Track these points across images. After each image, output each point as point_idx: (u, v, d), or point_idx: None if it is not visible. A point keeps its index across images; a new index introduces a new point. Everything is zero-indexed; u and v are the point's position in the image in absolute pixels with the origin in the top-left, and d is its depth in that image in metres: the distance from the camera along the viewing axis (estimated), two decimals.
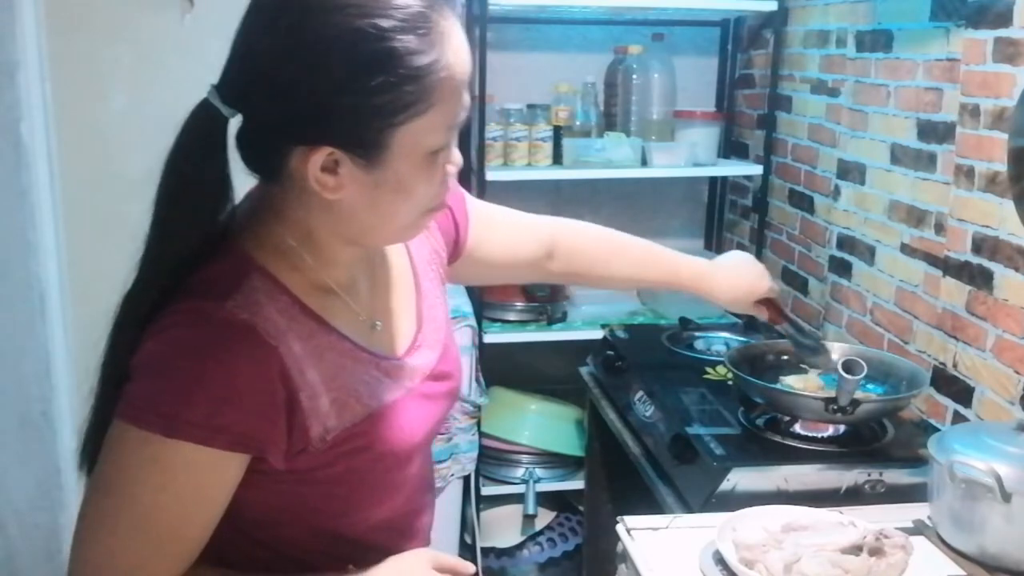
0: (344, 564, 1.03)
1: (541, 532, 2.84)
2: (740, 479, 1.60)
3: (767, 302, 1.73)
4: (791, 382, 1.83)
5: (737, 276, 1.68)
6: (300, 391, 0.93)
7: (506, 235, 1.37)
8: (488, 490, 2.76)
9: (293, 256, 0.98)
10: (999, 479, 1.34)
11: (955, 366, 1.89)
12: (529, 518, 2.76)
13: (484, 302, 2.73)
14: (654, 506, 1.74)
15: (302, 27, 0.88)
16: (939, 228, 1.96)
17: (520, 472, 2.77)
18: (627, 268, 1.58)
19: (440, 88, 0.90)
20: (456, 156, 0.99)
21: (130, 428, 0.90)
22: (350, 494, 1.03)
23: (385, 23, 0.87)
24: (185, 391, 0.89)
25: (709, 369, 2.14)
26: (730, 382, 2.00)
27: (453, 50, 0.92)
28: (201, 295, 0.92)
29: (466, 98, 0.96)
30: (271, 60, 0.90)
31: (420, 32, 0.89)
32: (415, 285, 1.14)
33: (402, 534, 1.13)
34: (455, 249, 1.27)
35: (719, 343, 2.37)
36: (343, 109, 0.89)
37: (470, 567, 1.09)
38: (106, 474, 0.95)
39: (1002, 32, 1.74)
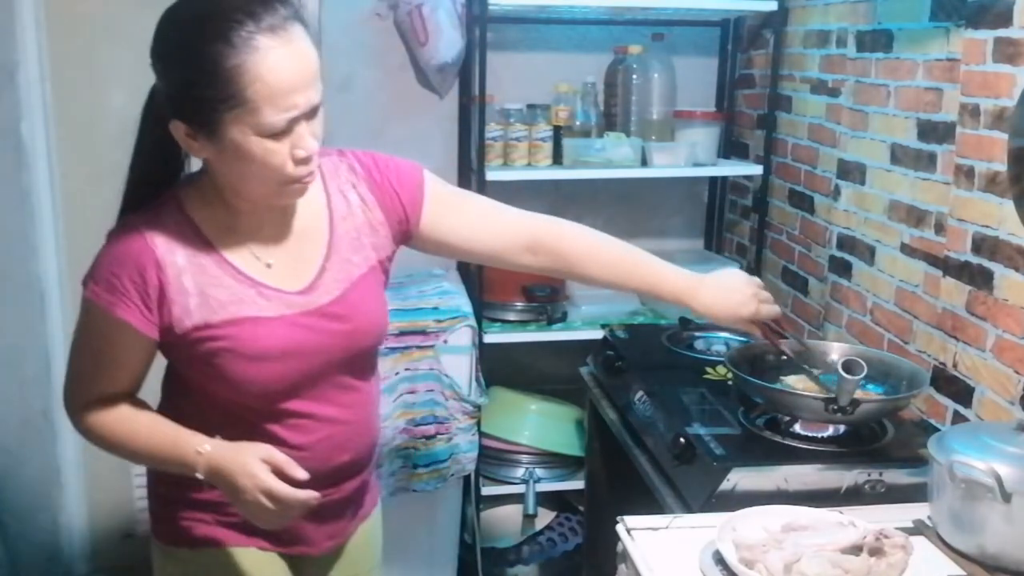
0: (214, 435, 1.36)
1: (541, 532, 2.84)
2: (740, 479, 1.60)
3: (758, 322, 1.73)
4: (791, 382, 1.83)
5: (722, 296, 1.70)
6: (170, 284, 1.32)
7: (472, 222, 1.56)
8: (488, 490, 2.76)
9: (209, 199, 1.37)
10: (999, 479, 1.34)
11: (955, 366, 1.89)
12: (529, 518, 2.76)
13: (484, 302, 2.73)
14: (654, 506, 1.74)
15: (162, 39, 1.27)
16: (939, 228, 1.96)
17: (520, 472, 2.78)
18: (606, 273, 1.66)
19: (251, 91, 1.21)
20: (306, 143, 1.28)
21: (86, 291, 1.35)
22: (218, 381, 1.36)
23: (206, 42, 1.21)
24: (96, 268, 1.34)
25: (709, 369, 2.13)
26: (730, 382, 2.00)
27: (268, 66, 1.21)
28: (136, 215, 1.35)
29: (291, 102, 1.23)
30: (154, 60, 1.28)
31: (232, 46, 1.20)
32: (328, 244, 1.43)
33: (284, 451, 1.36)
34: (406, 226, 1.51)
35: (719, 343, 2.37)
36: (184, 98, 1.26)
37: (302, 473, 1.31)
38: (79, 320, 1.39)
39: (1002, 32, 1.74)
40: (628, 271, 1.67)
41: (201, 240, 1.35)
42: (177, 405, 1.45)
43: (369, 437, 1.55)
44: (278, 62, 1.22)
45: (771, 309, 1.71)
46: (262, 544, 1.49)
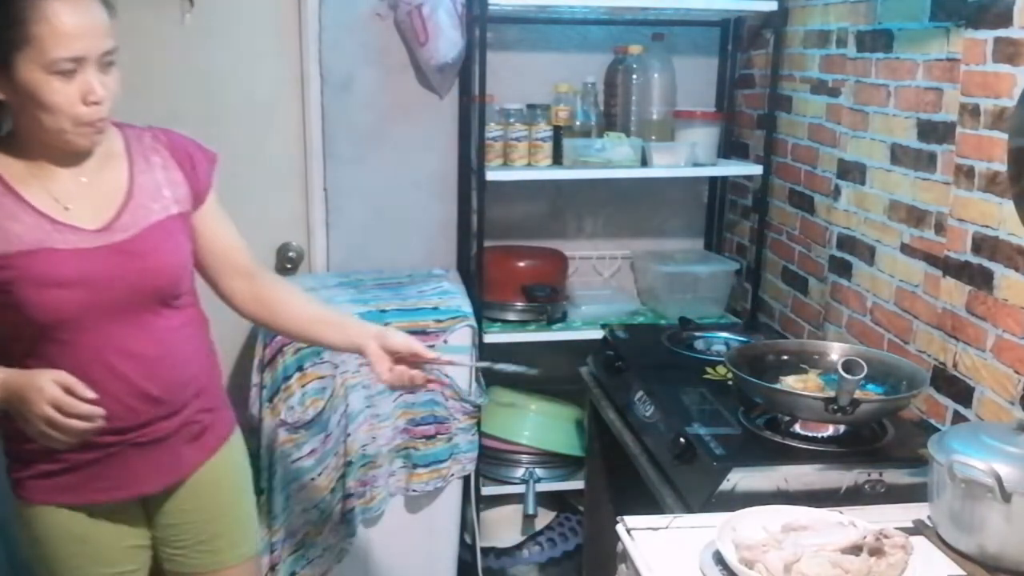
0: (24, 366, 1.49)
1: (541, 532, 2.84)
2: (740, 479, 1.60)
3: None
4: (791, 382, 1.84)
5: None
6: None
7: (222, 235, 1.72)
8: (488, 490, 2.76)
9: (13, 149, 1.51)
10: (999, 479, 1.34)
11: (955, 366, 1.89)
12: (529, 518, 2.76)
13: (484, 302, 2.73)
14: (654, 506, 1.74)
15: None
16: (939, 228, 1.96)
17: (520, 472, 2.77)
18: (298, 327, 1.79)
19: (36, 28, 1.38)
20: (94, 88, 1.44)
21: None
22: (13, 311, 1.48)
23: None
24: None
25: (709, 369, 2.14)
26: (730, 382, 2.00)
27: (53, 8, 1.38)
28: None
29: (75, 43, 1.40)
30: None
31: None
32: (127, 192, 1.58)
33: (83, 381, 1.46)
34: (198, 189, 1.67)
35: (719, 343, 2.38)
36: None
37: (90, 393, 1.43)
38: None
39: (1002, 32, 1.74)
40: (320, 328, 1.77)
41: (1, 183, 1.49)
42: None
43: (181, 374, 1.64)
44: (62, 5, 1.40)
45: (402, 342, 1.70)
46: (97, 499, 1.61)
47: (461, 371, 2.51)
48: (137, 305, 1.56)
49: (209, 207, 1.69)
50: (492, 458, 2.76)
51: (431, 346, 2.45)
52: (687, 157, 2.71)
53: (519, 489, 2.75)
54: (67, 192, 1.52)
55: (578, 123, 2.72)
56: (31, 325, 1.49)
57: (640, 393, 2.05)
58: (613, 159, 2.66)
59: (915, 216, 2.04)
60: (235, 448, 1.81)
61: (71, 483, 1.58)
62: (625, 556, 1.49)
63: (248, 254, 1.76)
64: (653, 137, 2.76)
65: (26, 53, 1.39)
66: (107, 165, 1.58)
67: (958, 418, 1.87)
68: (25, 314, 1.47)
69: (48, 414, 1.41)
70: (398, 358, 1.67)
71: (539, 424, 2.79)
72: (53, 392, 1.41)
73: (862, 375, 1.61)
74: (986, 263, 1.79)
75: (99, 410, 1.44)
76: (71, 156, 1.53)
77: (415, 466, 2.48)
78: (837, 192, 2.38)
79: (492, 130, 2.64)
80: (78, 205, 1.52)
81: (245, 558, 1.81)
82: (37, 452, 1.54)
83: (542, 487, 2.76)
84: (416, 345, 1.69)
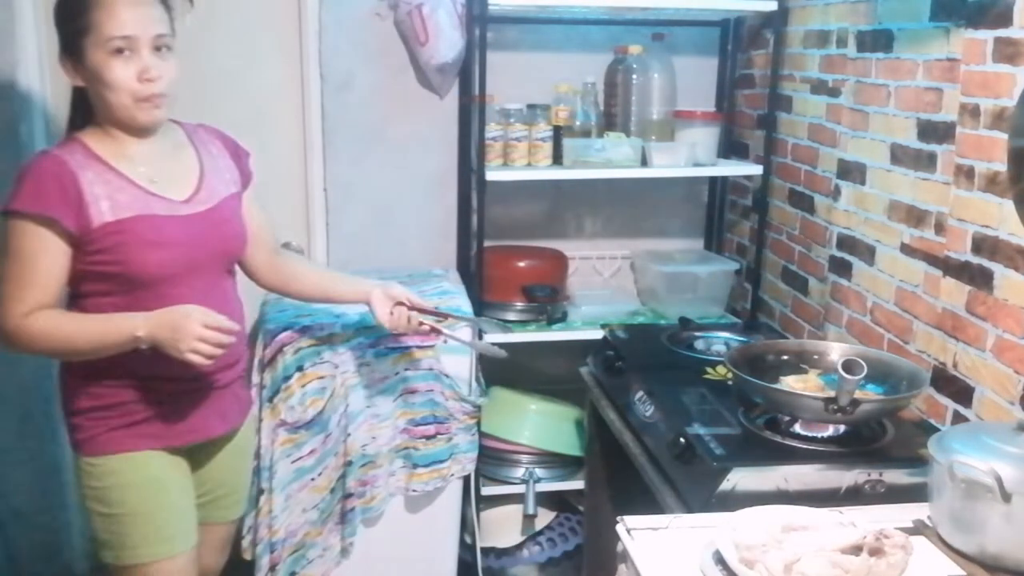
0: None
1: (541, 532, 2.84)
2: (740, 479, 1.60)
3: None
4: (791, 382, 1.84)
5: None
6: (85, 190, 1.66)
7: (257, 215, 1.98)
8: (488, 490, 2.76)
9: (101, 136, 1.73)
10: (999, 479, 1.34)
11: (955, 366, 1.89)
12: (529, 518, 2.76)
13: (484, 302, 2.73)
14: (654, 506, 1.74)
15: None
16: (939, 228, 1.96)
17: (520, 472, 2.78)
18: (312, 288, 2.14)
19: (95, 14, 1.63)
20: (148, 68, 1.66)
21: (10, 215, 1.66)
22: (124, 266, 1.70)
23: None
24: (18, 191, 1.65)
25: (709, 369, 2.14)
26: (730, 382, 2.00)
27: None
28: (43, 153, 1.72)
29: (128, 23, 1.64)
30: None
31: None
32: (200, 172, 1.84)
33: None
34: (244, 178, 1.94)
35: (719, 343, 2.38)
36: (61, 34, 1.69)
37: (235, 326, 1.72)
38: (4, 247, 1.67)
39: (1002, 32, 1.74)
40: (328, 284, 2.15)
41: (102, 163, 1.70)
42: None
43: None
44: None
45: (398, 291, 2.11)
46: (175, 442, 1.81)
47: (461, 371, 2.51)
48: (213, 266, 1.82)
49: (250, 191, 1.96)
50: (492, 458, 2.76)
51: (431, 346, 2.47)
52: (687, 157, 2.71)
53: (519, 489, 2.75)
54: (151, 170, 1.75)
55: (578, 123, 2.72)
56: (133, 282, 1.71)
57: (640, 393, 2.05)
58: (613, 159, 2.66)
59: (915, 216, 2.04)
60: (252, 421, 2.11)
61: (154, 430, 1.79)
62: (625, 556, 1.49)
63: (275, 234, 2.05)
64: (653, 137, 2.76)
65: (90, 38, 1.64)
66: (178, 150, 1.84)
67: (958, 418, 1.87)
68: (132, 271, 1.70)
69: (204, 333, 1.65)
70: (397, 304, 2.08)
71: (539, 424, 2.79)
72: (203, 315, 1.66)
73: (862, 375, 1.61)
74: (986, 263, 1.79)
75: (236, 325, 1.73)
76: (146, 140, 1.76)
77: (415, 466, 2.48)
78: (837, 192, 2.38)
79: (492, 130, 2.64)
80: (162, 180, 1.76)
81: (239, 516, 2.11)
82: (122, 403, 1.76)
83: (542, 487, 2.76)
84: (413, 296, 2.11)
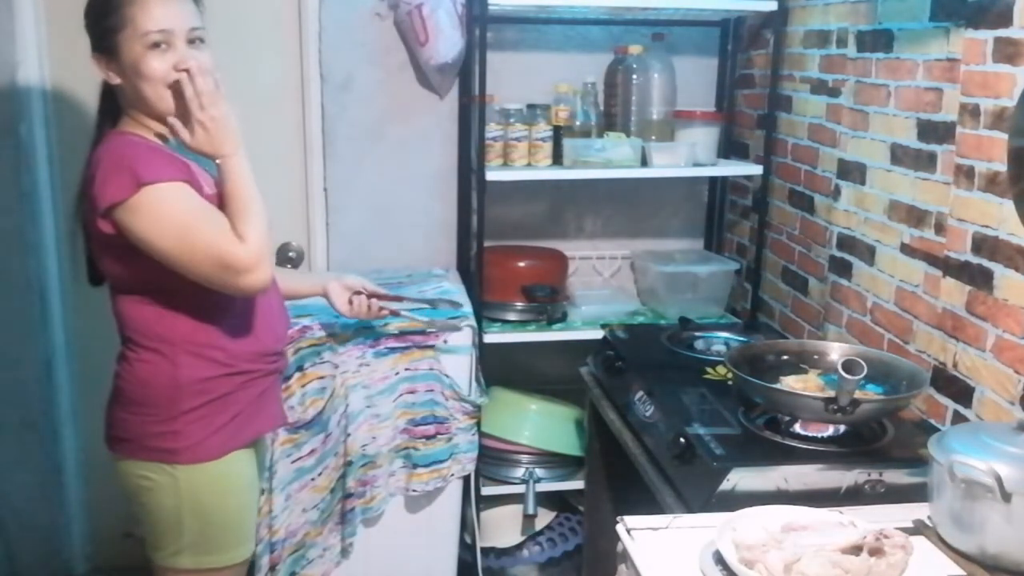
0: None
1: (541, 532, 2.84)
2: (740, 479, 1.60)
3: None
4: (791, 382, 1.84)
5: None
6: (189, 163, 1.70)
7: None
8: (488, 490, 2.76)
9: (141, 124, 1.73)
10: (999, 479, 1.34)
11: (955, 366, 1.89)
12: (529, 518, 2.76)
13: (484, 302, 2.73)
14: (654, 506, 1.74)
15: None
16: (939, 228, 1.96)
17: (520, 472, 2.77)
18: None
19: (130, 10, 1.64)
20: (183, 59, 1.66)
21: (151, 189, 1.61)
22: None
23: None
24: (141, 167, 1.62)
25: (709, 369, 2.14)
26: (730, 382, 2.00)
27: None
28: (117, 135, 1.73)
29: (163, 18, 1.65)
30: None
31: None
32: (202, 168, 1.78)
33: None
34: None
35: (719, 343, 2.37)
36: (93, 32, 1.70)
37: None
38: (165, 222, 1.62)
39: (1002, 32, 1.74)
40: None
41: (167, 153, 1.70)
42: (172, 327, 1.72)
43: (286, 323, 1.95)
44: None
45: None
46: (252, 435, 1.82)
47: (461, 371, 2.51)
48: None
49: None
50: (492, 458, 2.76)
51: (430, 346, 2.47)
52: (687, 157, 2.71)
53: (519, 489, 2.75)
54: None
55: (578, 123, 2.72)
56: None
57: (640, 393, 2.05)
58: (613, 159, 2.66)
59: (915, 216, 2.04)
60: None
61: (247, 423, 1.78)
62: (625, 556, 1.49)
63: None
64: (653, 137, 2.76)
65: (125, 33, 1.65)
66: None
67: (958, 418, 1.87)
68: None
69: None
70: (354, 293, 2.15)
71: (539, 424, 2.79)
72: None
73: (862, 375, 1.61)
74: (986, 263, 1.79)
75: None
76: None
77: (415, 466, 2.48)
78: (837, 192, 2.38)
79: (492, 130, 2.64)
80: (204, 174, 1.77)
81: None
82: (226, 394, 1.74)
83: (542, 487, 2.76)
84: (368, 283, 2.19)
